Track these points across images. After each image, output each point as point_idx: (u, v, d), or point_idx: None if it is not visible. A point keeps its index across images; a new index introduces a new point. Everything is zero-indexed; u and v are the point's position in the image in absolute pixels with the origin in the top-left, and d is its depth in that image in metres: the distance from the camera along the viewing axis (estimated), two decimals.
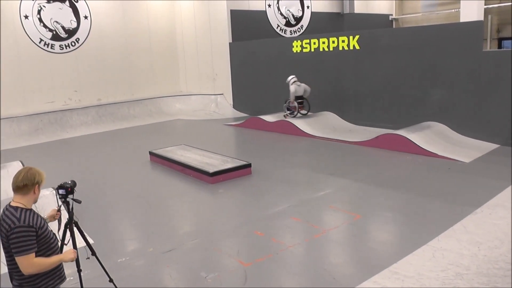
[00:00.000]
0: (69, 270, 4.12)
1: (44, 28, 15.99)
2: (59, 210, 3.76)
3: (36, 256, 3.18)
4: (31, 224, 3.16)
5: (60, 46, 16.44)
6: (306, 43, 14.21)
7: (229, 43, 17.11)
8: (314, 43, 13.93)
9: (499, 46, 19.40)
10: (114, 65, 17.87)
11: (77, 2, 16.66)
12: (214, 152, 10.18)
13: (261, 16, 18.08)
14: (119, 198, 8.21)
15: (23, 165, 8.53)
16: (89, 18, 16.99)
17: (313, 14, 19.92)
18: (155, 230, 6.55)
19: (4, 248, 3.21)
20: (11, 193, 3.37)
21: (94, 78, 17.37)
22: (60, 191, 3.77)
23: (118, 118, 16.88)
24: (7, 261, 3.26)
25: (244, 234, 6.23)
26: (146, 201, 7.86)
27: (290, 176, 8.81)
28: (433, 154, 9.49)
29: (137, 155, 11.29)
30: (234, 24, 17.10)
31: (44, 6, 15.91)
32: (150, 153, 10.66)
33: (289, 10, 19.02)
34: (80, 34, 16.86)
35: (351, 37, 12.86)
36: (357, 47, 12.73)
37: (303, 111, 13.39)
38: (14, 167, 7.78)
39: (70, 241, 3.83)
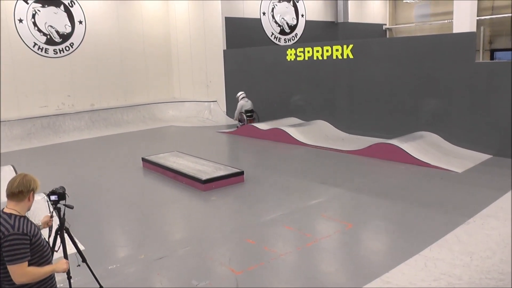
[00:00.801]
0: (59, 277, 4.09)
1: (38, 32, 15.95)
2: (52, 216, 3.73)
3: (28, 265, 3.11)
4: (25, 232, 3.10)
5: (54, 50, 16.39)
6: (300, 52, 14.25)
7: (223, 50, 17.13)
8: (308, 52, 13.98)
9: (491, 58, 19.57)
10: (108, 70, 17.84)
11: (72, 6, 16.64)
12: (207, 159, 10.16)
13: (256, 23, 18.14)
14: (111, 204, 8.16)
15: (14, 169, 8.48)
16: (83, 23, 16.97)
17: (307, 22, 20.01)
18: (146, 237, 6.51)
19: None
20: (3, 198, 3.33)
21: (87, 83, 17.33)
22: (52, 197, 3.74)
23: (111, 123, 16.82)
24: None
25: (236, 242, 6.20)
26: (138, 208, 7.81)
27: (283, 184, 8.79)
28: (426, 163, 9.52)
29: (130, 161, 11.24)
30: (229, 31, 17.14)
31: (38, 10, 15.88)
32: (143, 159, 10.62)
33: (283, 18, 19.09)
34: (75, 39, 16.82)
35: (345, 46, 12.91)
36: (351, 56, 12.78)
37: (254, 124, 14.31)
38: (6, 172, 7.72)
39: (61, 248, 3.79)
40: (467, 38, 10.53)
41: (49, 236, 3.77)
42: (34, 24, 15.85)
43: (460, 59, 10.50)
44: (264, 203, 7.76)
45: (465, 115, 10.53)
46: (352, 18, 21.63)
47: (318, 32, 20.26)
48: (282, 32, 19.15)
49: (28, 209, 3.29)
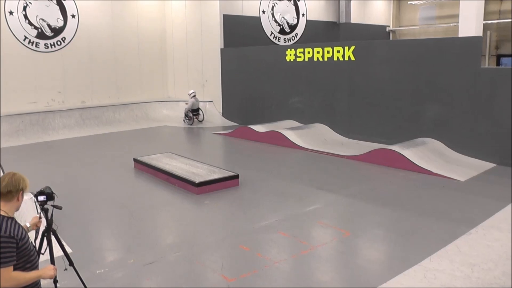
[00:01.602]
0: (45, 280, 4.06)
1: (29, 26, 15.93)
2: (40, 217, 3.71)
3: (14, 269, 3.05)
4: (12, 234, 3.04)
5: (45, 44, 16.37)
6: (300, 52, 14.27)
7: (221, 48, 17.15)
8: (309, 52, 14.00)
9: (498, 63, 19.62)
10: (101, 67, 17.83)
11: (65, 0, 16.63)
12: (201, 161, 10.16)
13: (255, 22, 18.17)
14: (100, 205, 8.14)
15: (1, 168, 8.45)
16: (76, 17, 16.96)
17: (308, 22, 20.06)
18: (136, 240, 6.50)
19: None
20: None
21: (79, 79, 17.31)
22: (40, 197, 3.73)
23: (103, 122, 16.81)
24: None
25: (229, 248, 6.20)
26: (128, 210, 7.80)
27: (279, 189, 8.80)
28: (427, 171, 9.54)
29: (121, 162, 11.23)
30: (227, 29, 17.16)
31: (30, 3, 15.86)
32: (135, 160, 10.61)
33: (283, 17, 19.13)
34: (67, 33, 16.81)
35: (346, 48, 12.94)
36: (352, 58, 12.81)
37: (200, 119, 16.47)
38: None
39: (47, 250, 3.78)
40: (472, 42, 10.57)
41: (35, 238, 3.75)
42: (25, 17, 15.83)
43: (465, 64, 10.54)
44: (259, 208, 7.76)
45: (469, 122, 10.56)
46: (354, 19, 21.70)
47: (319, 33, 20.31)
48: (282, 31, 19.19)
49: (17, 209, 3.25)
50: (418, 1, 22.60)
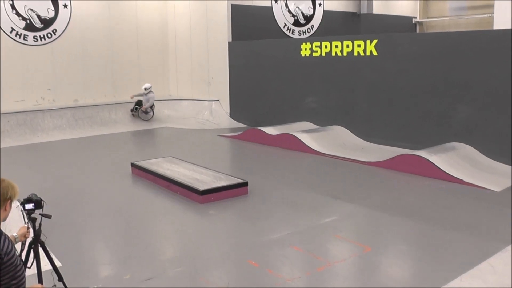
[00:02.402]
0: None
1: (16, 16, 16.06)
2: (28, 228, 3.72)
3: None
4: None
5: (34, 37, 16.49)
6: (316, 46, 14.26)
7: (228, 42, 17.18)
8: (326, 47, 13.98)
9: None
10: (95, 62, 17.93)
11: None
12: (206, 167, 10.16)
13: (266, 13, 18.19)
14: (94, 214, 8.16)
15: None
16: (69, 7, 17.08)
17: (325, 13, 20.05)
18: (133, 254, 6.50)
19: None
20: None
21: (71, 75, 17.42)
22: (27, 206, 3.74)
23: (97, 122, 16.88)
24: None
25: (236, 263, 6.19)
26: (125, 220, 7.82)
27: (292, 199, 8.78)
28: (458, 180, 9.48)
29: (117, 167, 11.27)
30: (235, 21, 17.19)
31: None
32: (132, 165, 10.63)
33: (298, 8, 19.14)
34: (58, 25, 16.93)
35: (368, 41, 12.91)
36: (375, 53, 12.78)
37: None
38: None
39: (35, 264, 3.79)
40: (509, 35, 10.50)
41: (21, 250, 3.76)
42: (12, 6, 15.97)
43: (500, 60, 10.46)
44: (269, 219, 7.75)
45: (505, 125, 10.48)
46: (377, 9, 21.65)
47: (337, 25, 20.29)
48: (297, 23, 19.19)
49: (4, 220, 3.19)
50: None
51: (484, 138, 10.82)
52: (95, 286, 5.59)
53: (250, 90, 16.74)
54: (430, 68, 11.70)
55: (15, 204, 6.09)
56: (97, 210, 8.39)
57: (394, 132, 12.53)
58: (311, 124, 14.53)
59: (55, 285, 4.14)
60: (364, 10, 21.08)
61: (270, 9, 18.31)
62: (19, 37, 16.20)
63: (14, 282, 3.10)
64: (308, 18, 19.59)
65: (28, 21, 16.31)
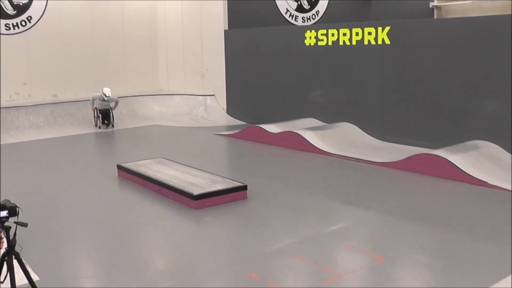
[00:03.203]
0: None
1: None
2: (1, 237, 3.71)
3: None
4: None
5: (6, 25, 16.47)
6: (322, 34, 14.25)
7: (225, 30, 17.17)
8: (333, 35, 13.97)
9: None
10: (76, 53, 17.91)
11: None
12: (201, 169, 10.15)
13: None
14: (75, 222, 8.14)
15: None
16: None
17: None
18: (119, 266, 6.49)
19: None
20: None
21: (49, 68, 17.40)
22: (1, 213, 3.73)
23: (79, 120, 16.87)
24: None
25: (234, 276, 6.18)
26: (110, 228, 7.81)
27: (296, 204, 8.78)
28: (481, 182, 9.46)
29: (102, 169, 11.27)
30: (232, 7, 17.18)
31: None
32: (119, 167, 10.63)
33: None
34: (33, 12, 16.90)
35: (379, 29, 12.90)
36: (387, 41, 12.76)
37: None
38: None
39: (8, 278, 3.78)
40: None
41: None
42: None
43: None
44: (271, 227, 7.74)
45: None
46: None
47: (345, 10, 20.26)
48: (300, 8, 19.18)
49: None
50: None
51: (510, 135, 10.81)
52: None
53: (249, 83, 16.72)
54: (449, 58, 11.68)
55: None
56: (79, 218, 8.36)
57: (409, 129, 12.52)
58: (317, 121, 14.53)
59: None
60: None
61: None
62: None
63: None
64: (313, 3, 19.57)
65: None
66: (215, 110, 17.63)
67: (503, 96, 10.86)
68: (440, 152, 10.36)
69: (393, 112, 12.85)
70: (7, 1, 16.38)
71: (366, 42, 13.22)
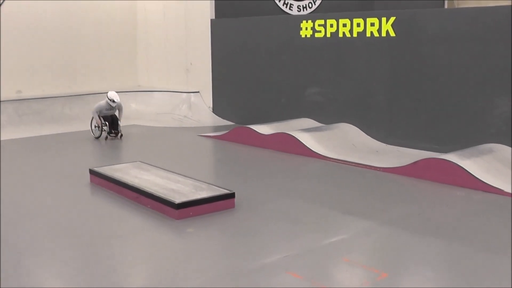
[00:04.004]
0: None
1: None
2: None
3: None
4: None
5: None
6: (319, 25, 14.27)
7: (211, 20, 17.18)
8: (331, 26, 14.00)
9: None
10: (44, 43, 17.86)
11: None
12: (184, 174, 10.14)
13: None
14: (41, 234, 8.09)
15: None
16: None
17: None
18: (92, 282, 6.45)
19: None
20: None
21: (12, 60, 17.28)
22: None
23: (47, 119, 16.82)
24: None
25: None
26: (81, 241, 7.76)
27: (290, 213, 8.77)
28: (496, 189, 9.49)
29: (73, 174, 11.22)
30: None
31: None
32: (91, 171, 10.59)
33: None
34: None
35: (383, 19, 12.94)
36: (392, 33, 12.80)
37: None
38: None
39: None
40: None
41: None
42: None
43: None
44: (262, 239, 7.73)
45: None
46: None
47: None
48: None
49: None
50: None
51: None
52: None
53: (238, 79, 16.73)
54: (462, 52, 11.72)
55: None
56: (46, 229, 8.30)
57: (416, 130, 12.56)
58: (314, 121, 14.57)
59: None
60: None
61: None
62: None
63: None
64: None
65: None
66: (200, 109, 17.63)
67: None
68: (450, 157, 10.38)
69: (398, 112, 12.88)
70: None
71: (368, 34, 13.25)
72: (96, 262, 7.10)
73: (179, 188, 9.18)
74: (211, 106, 17.57)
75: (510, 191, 9.36)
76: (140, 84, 19.92)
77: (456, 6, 23.56)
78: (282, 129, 13.55)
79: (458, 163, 10.06)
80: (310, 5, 19.66)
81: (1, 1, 16.54)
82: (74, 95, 17.74)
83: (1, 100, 16.51)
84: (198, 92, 17.93)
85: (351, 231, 8.01)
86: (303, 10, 19.42)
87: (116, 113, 15.22)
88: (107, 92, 15.18)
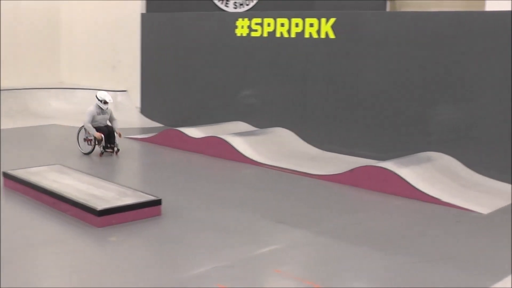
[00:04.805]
0: None
1: None
2: None
3: None
4: None
5: None
6: (256, 24, 14.32)
7: (142, 14, 17.07)
8: (269, 25, 14.06)
9: None
10: None
11: None
12: (107, 179, 10.04)
13: None
14: None
15: None
16: None
17: None
18: None
19: None
20: None
21: None
22: None
23: None
24: None
25: None
26: None
27: (220, 222, 8.77)
28: (434, 199, 9.69)
29: None
30: None
31: None
32: (5, 175, 10.39)
33: None
34: None
35: (323, 20, 13.06)
36: (332, 35, 12.93)
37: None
38: None
39: None
40: (504, 19, 10.80)
41: None
42: None
43: (494, 49, 10.77)
44: (190, 249, 7.71)
45: (498, 129, 10.78)
46: None
47: None
48: None
49: None
50: None
51: (469, 146, 11.10)
52: None
53: (169, 78, 16.65)
54: (403, 57, 11.92)
55: None
56: None
57: (354, 137, 12.70)
58: (248, 125, 14.61)
59: None
60: None
61: None
62: None
63: None
64: None
65: None
66: (126, 109, 17.48)
67: (462, 102, 11.15)
68: (387, 165, 10.54)
69: (336, 117, 13.00)
70: None
71: (307, 35, 13.36)
72: (8, 275, 6.92)
73: (101, 194, 9.08)
74: (139, 106, 17.44)
75: (447, 201, 9.56)
76: (61, 81, 19.63)
77: (398, 9, 24.00)
78: (214, 133, 13.54)
79: (395, 171, 10.23)
80: (247, 2, 19.73)
81: None
82: None
83: None
84: (126, 91, 17.79)
85: (284, 241, 8.04)
86: (240, 7, 19.45)
87: (109, 122, 13.46)
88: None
